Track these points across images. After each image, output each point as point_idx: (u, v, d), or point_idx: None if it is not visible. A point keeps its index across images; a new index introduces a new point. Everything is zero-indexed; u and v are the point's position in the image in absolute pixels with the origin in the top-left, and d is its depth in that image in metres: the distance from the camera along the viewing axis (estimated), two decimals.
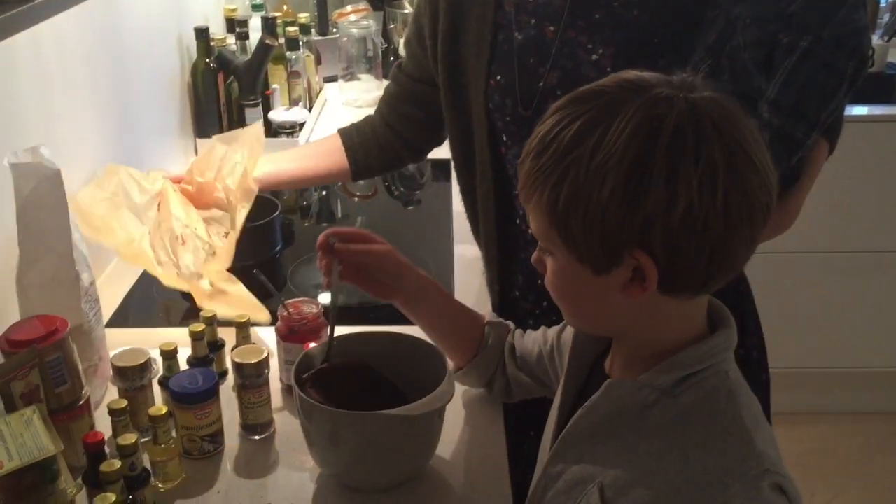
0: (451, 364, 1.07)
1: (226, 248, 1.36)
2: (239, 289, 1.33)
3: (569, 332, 1.05)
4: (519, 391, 1.16)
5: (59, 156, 1.40)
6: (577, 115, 0.77)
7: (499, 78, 1.27)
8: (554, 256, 0.83)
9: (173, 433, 1.07)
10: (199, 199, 1.51)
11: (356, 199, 2.09)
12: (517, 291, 1.34)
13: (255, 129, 1.50)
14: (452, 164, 1.43)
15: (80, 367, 1.08)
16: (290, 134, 2.17)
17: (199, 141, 2.13)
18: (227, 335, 1.27)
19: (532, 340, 1.13)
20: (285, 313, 1.21)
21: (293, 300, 1.24)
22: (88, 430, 1.08)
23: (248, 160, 1.45)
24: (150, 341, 1.35)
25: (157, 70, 1.91)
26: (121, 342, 1.34)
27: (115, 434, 1.04)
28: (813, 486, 2.21)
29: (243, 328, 1.24)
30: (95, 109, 1.58)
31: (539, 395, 1.16)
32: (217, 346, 1.26)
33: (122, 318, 1.44)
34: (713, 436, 0.80)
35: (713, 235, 0.75)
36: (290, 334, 1.20)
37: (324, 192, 2.08)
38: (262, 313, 1.29)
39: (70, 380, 1.05)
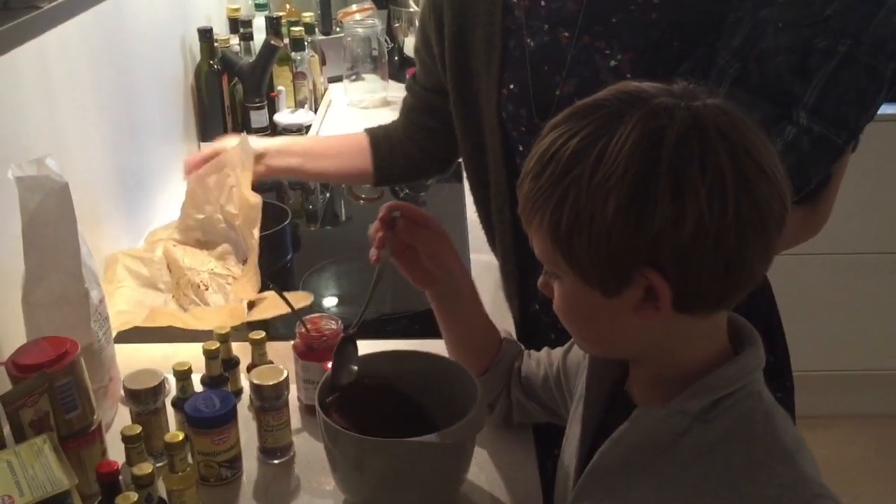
0: (480, 386, 1.02)
1: (248, 271, 1.32)
2: (272, 294, 1.32)
3: (576, 353, 1.01)
4: (520, 416, 1.12)
5: (65, 166, 1.35)
6: (574, 131, 0.74)
7: (512, 87, 1.22)
8: (560, 280, 0.79)
9: (190, 459, 1.02)
10: (206, 238, 1.49)
11: (362, 202, 2.04)
12: (537, 305, 1.29)
13: (240, 142, 1.47)
14: (465, 175, 1.38)
15: (91, 392, 1.02)
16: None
17: (203, 145, 2.07)
18: (242, 353, 1.22)
19: (537, 363, 1.09)
20: (303, 330, 1.16)
21: (311, 316, 1.19)
22: (101, 457, 1.03)
23: (241, 175, 1.42)
24: (160, 358, 1.31)
25: (161, 73, 1.86)
26: (130, 360, 1.29)
27: (130, 462, 0.99)
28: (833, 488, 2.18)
29: (259, 345, 1.18)
30: (100, 117, 1.52)
31: (541, 421, 1.11)
32: (232, 363, 1.21)
33: (131, 333, 1.38)
34: (757, 463, 0.76)
35: (726, 249, 0.71)
36: (309, 352, 1.15)
37: (328, 195, 2.03)
38: (306, 298, 1.29)
39: (81, 405, 1.00)
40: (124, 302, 1.37)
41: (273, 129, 2.12)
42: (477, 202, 1.37)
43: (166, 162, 1.89)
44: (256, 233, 1.39)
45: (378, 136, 1.48)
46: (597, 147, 0.72)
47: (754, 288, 0.77)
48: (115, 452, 1.03)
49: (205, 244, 1.50)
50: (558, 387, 1.03)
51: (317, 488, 1.06)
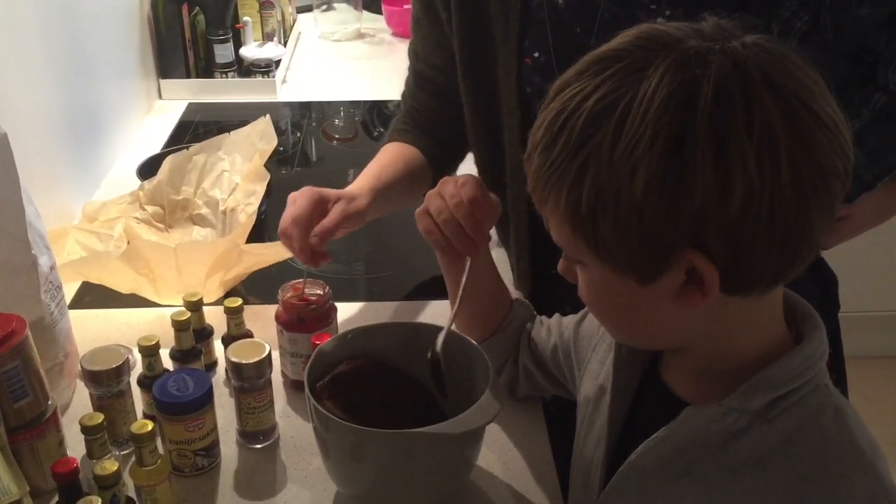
0: (492, 365, 0.90)
1: (244, 225, 1.18)
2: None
3: (590, 322, 0.90)
4: (526, 387, 1.01)
5: (3, 112, 1.19)
6: (589, 90, 0.61)
7: (536, 55, 1.05)
8: (585, 266, 0.67)
9: (160, 449, 0.90)
10: (175, 221, 1.34)
11: (335, 142, 1.90)
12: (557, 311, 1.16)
13: (262, 123, 1.37)
14: (473, 157, 1.22)
15: (43, 373, 0.89)
16: (266, 73, 1.95)
17: (163, 82, 1.90)
18: (215, 320, 1.09)
19: (548, 330, 0.97)
20: (288, 297, 1.03)
21: (294, 281, 1.06)
22: (57, 448, 0.91)
23: (260, 151, 1.31)
24: (123, 325, 1.18)
25: (112, 3, 1.67)
26: (87, 329, 1.16)
27: (91, 454, 0.87)
28: None
29: (235, 314, 1.05)
30: (43, 53, 1.35)
31: (548, 394, 1.01)
32: (205, 334, 1.08)
33: (87, 296, 1.24)
34: (830, 470, 0.65)
35: (783, 218, 0.59)
36: (296, 322, 1.02)
37: (298, 136, 1.88)
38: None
39: (32, 391, 0.87)
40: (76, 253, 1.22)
41: (239, 65, 1.95)
42: (488, 189, 1.23)
43: (122, 102, 1.72)
44: (260, 191, 1.25)
45: (432, 150, 1.23)
46: (617, 108, 0.59)
47: (816, 257, 0.66)
48: (75, 440, 0.91)
49: (172, 227, 1.35)
50: (567, 357, 0.93)
51: (306, 476, 0.94)
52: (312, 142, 1.86)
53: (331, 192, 1.07)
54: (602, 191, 0.60)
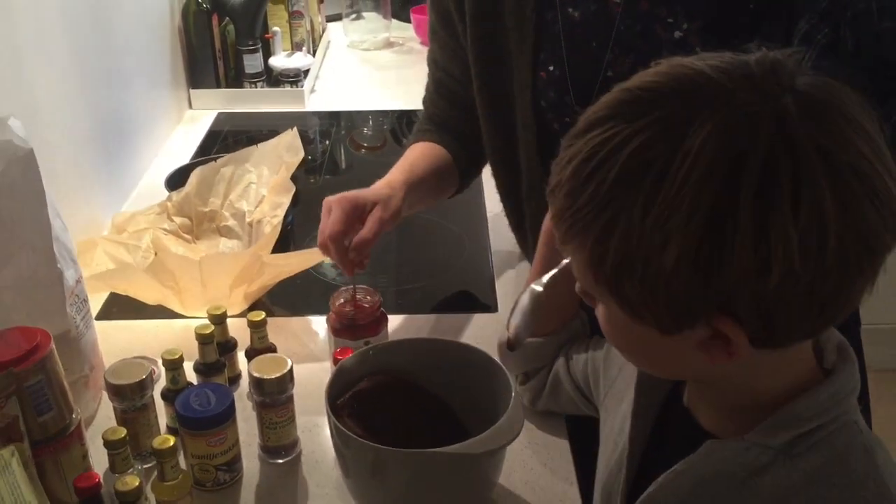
0: (514, 383, 0.89)
1: (268, 236, 1.18)
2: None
3: None
4: (548, 401, 0.99)
5: (33, 124, 1.20)
6: (622, 137, 0.57)
7: (551, 68, 1.04)
8: (604, 304, 0.64)
9: (182, 464, 0.90)
10: (202, 233, 1.35)
11: (363, 151, 1.90)
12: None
13: (289, 136, 1.38)
14: (491, 170, 1.21)
15: (68, 387, 0.90)
16: (294, 83, 1.95)
17: (194, 92, 1.91)
18: (239, 334, 1.09)
19: (585, 345, 0.95)
20: (340, 302, 1.04)
21: (346, 288, 1.06)
22: (81, 461, 0.91)
23: (287, 164, 1.31)
24: (149, 336, 1.18)
25: (143, 14, 1.69)
26: (114, 341, 1.17)
27: (113, 469, 0.87)
28: None
29: (259, 328, 1.05)
30: (75, 66, 1.37)
31: (567, 412, 0.99)
32: (228, 347, 1.08)
33: (114, 307, 1.25)
34: None
35: (822, 294, 0.56)
36: (345, 329, 1.03)
37: (327, 143, 1.88)
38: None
39: (56, 405, 0.87)
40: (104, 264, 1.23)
41: (268, 74, 1.96)
42: (506, 205, 1.21)
43: (153, 112, 1.74)
44: (286, 203, 1.26)
45: (459, 153, 1.22)
46: (653, 169, 0.55)
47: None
48: (100, 452, 0.91)
49: (200, 239, 1.36)
50: (595, 372, 0.91)
51: (327, 494, 0.94)
52: (341, 150, 1.87)
53: (367, 196, 1.06)
54: (629, 254, 0.57)
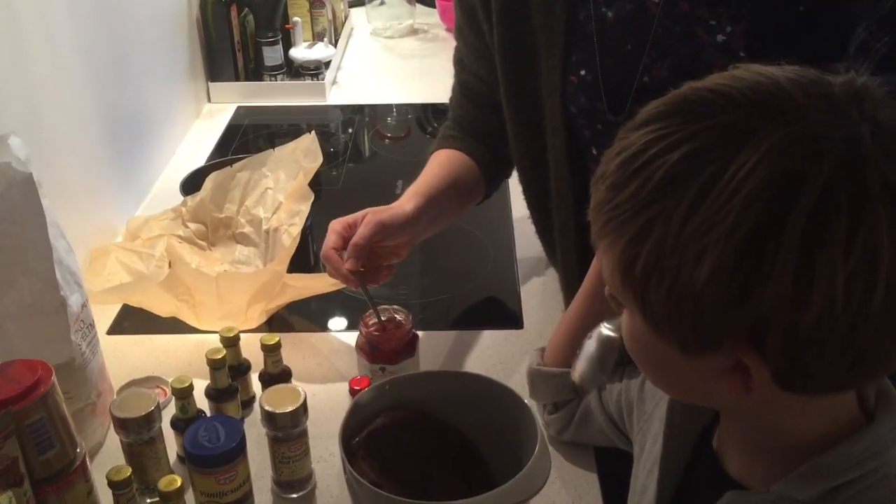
0: (539, 420, 0.83)
1: (287, 250, 1.13)
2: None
3: None
4: (577, 432, 0.94)
5: (41, 125, 1.16)
6: (678, 138, 0.52)
7: (583, 73, 0.97)
8: (628, 311, 0.60)
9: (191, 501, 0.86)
10: (217, 240, 1.31)
11: (387, 141, 1.84)
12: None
13: (307, 140, 1.32)
14: (518, 176, 1.15)
15: (71, 421, 0.86)
16: (316, 75, 1.89)
17: (212, 85, 1.86)
18: (255, 349, 1.04)
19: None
20: (371, 327, 1.00)
21: (381, 308, 1.02)
22: (85, 497, 0.87)
23: (305, 170, 1.26)
24: (160, 353, 1.14)
25: (158, 4, 1.63)
26: (125, 357, 1.13)
27: None
28: None
29: (272, 352, 1.01)
30: (84, 60, 1.31)
31: (596, 444, 0.95)
32: (241, 370, 1.03)
33: (126, 321, 1.21)
34: None
35: (862, 340, 0.51)
36: (374, 352, 0.99)
37: (350, 131, 1.83)
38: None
39: (59, 442, 0.83)
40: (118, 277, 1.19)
41: (288, 66, 1.90)
42: (533, 212, 1.16)
43: (171, 106, 1.69)
44: (305, 211, 1.21)
45: (486, 160, 1.17)
46: (703, 175, 0.50)
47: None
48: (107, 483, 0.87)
49: (215, 245, 1.31)
50: (629, 405, 0.86)
51: None
52: (365, 138, 1.81)
53: (358, 213, 1.03)
54: (661, 261, 0.52)
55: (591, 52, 0.97)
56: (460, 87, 1.19)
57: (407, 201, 1.06)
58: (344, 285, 1.05)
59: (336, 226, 1.02)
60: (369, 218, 1.01)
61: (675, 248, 0.51)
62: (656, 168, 0.52)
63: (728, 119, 0.52)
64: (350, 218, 1.03)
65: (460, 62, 1.17)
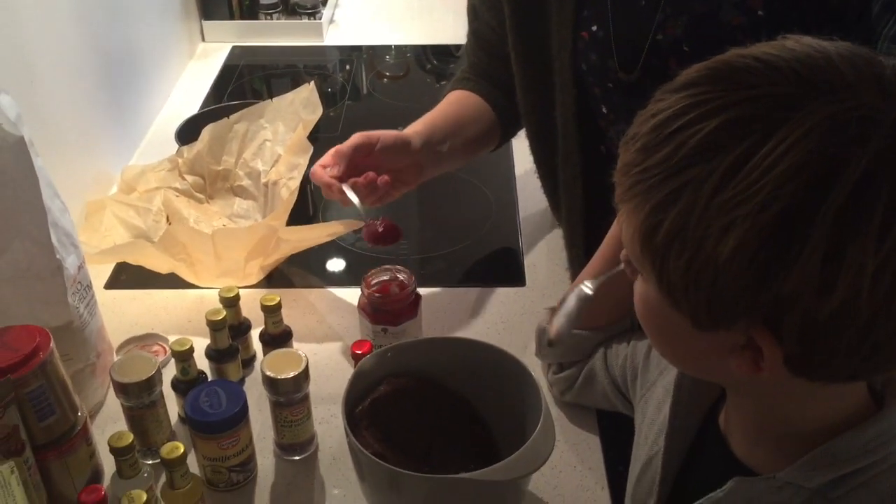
0: (543, 389, 0.83)
1: (284, 204, 1.11)
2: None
3: None
4: (579, 394, 0.94)
5: (30, 69, 1.12)
6: (718, 104, 0.50)
7: (594, 28, 0.94)
8: (644, 278, 0.58)
9: (195, 464, 0.86)
10: (215, 193, 1.27)
11: (386, 80, 1.80)
12: None
13: (305, 91, 1.28)
14: (525, 132, 1.13)
15: (71, 386, 0.85)
16: (312, 14, 1.84)
17: (206, 24, 1.81)
18: (254, 307, 1.03)
19: (628, 341, 0.89)
20: (373, 287, 0.99)
21: (377, 269, 1.00)
22: (88, 461, 0.88)
23: (304, 121, 1.22)
24: (158, 311, 1.13)
25: None
26: (123, 314, 1.12)
27: (121, 473, 0.83)
28: None
29: (273, 312, 0.99)
30: (77, 1, 1.26)
31: (598, 406, 0.95)
32: (242, 329, 1.02)
33: (123, 275, 1.19)
34: None
35: (878, 335, 0.50)
36: (380, 314, 0.98)
37: (348, 67, 1.79)
38: (350, 224, 1.06)
39: (59, 408, 0.83)
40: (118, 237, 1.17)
41: (284, 5, 1.84)
42: (539, 168, 1.13)
43: (163, 47, 1.64)
44: (304, 164, 1.18)
45: (501, 105, 1.14)
46: (740, 146, 0.49)
47: None
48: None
49: (213, 198, 1.29)
50: (633, 371, 0.86)
51: (345, 496, 0.90)
52: (363, 78, 1.77)
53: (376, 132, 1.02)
54: (685, 230, 0.51)
55: (604, 7, 0.94)
56: (474, 35, 1.16)
57: (412, 129, 1.06)
58: (340, 233, 1.04)
59: (331, 150, 1.01)
60: (367, 134, 1.01)
61: (702, 219, 0.50)
62: (691, 134, 0.50)
63: (773, 91, 0.50)
64: (368, 135, 1.02)
65: (473, 10, 1.14)
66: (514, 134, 1.21)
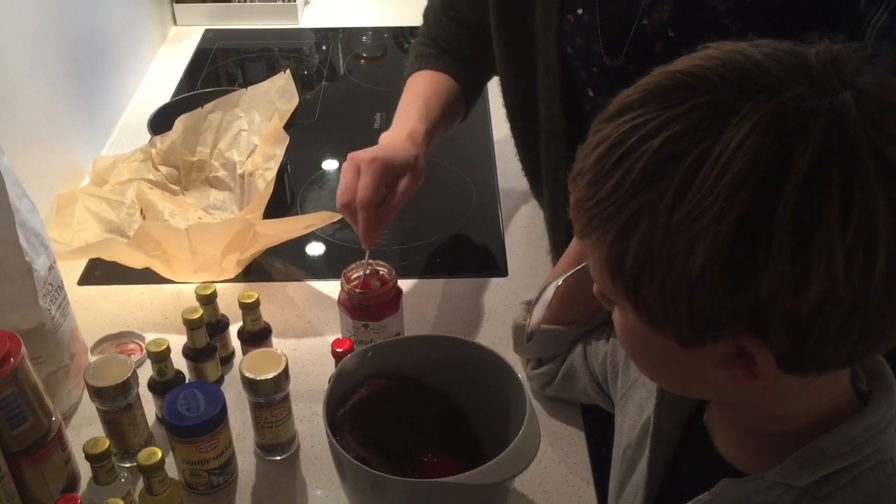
0: (526, 385, 0.82)
1: (260, 196, 1.08)
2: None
3: None
4: (560, 388, 0.93)
5: None
6: (655, 125, 0.50)
7: (580, 12, 0.93)
8: (620, 308, 0.58)
9: (173, 469, 0.84)
10: (189, 184, 1.25)
11: (363, 61, 1.77)
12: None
13: (281, 80, 1.26)
14: (506, 113, 1.11)
15: (44, 391, 0.83)
16: None
17: (178, 7, 1.77)
18: (232, 303, 1.01)
19: (608, 337, 0.89)
20: (353, 282, 0.97)
21: (356, 265, 0.98)
22: (63, 466, 0.86)
23: (280, 111, 1.20)
24: (133, 307, 1.11)
25: None
26: (98, 310, 1.10)
27: (97, 480, 0.81)
28: None
29: (251, 310, 0.97)
30: None
31: (579, 401, 0.94)
32: (220, 327, 1.00)
33: (97, 270, 1.17)
34: None
35: (865, 316, 0.49)
36: (360, 309, 0.96)
37: (324, 48, 1.76)
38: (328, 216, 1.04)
39: (32, 415, 0.81)
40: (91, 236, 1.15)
41: None
42: (520, 149, 1.12)
43: (133, 31, 1.60)
44: (280, 154, 1.16)
45: (464, 79, 1.13)
46: (686, 160, 0.48)
47: None
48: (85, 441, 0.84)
49: (188, 190, 1.26)
50: (614, 368, 0.85)
51: (328, 496, 0.88)
52: (340, 60, 1.74)
53: (396, 159, 0.96)
54: (651, 255, 0.50)
55: None
56: (442, 4, 1.13)
57: (420, 149, 1.01)
58: (317, 225, 1.03)
59: (377, 168, 0.93)
60: (406, 185, 0.96)
61: (665, 239, 0.49)
62: (636, 159, 0.50)
63: (706, 100, 0.49)
64: (389, 164, 0.95)
65: None
66: (473, 107, 1.18)
